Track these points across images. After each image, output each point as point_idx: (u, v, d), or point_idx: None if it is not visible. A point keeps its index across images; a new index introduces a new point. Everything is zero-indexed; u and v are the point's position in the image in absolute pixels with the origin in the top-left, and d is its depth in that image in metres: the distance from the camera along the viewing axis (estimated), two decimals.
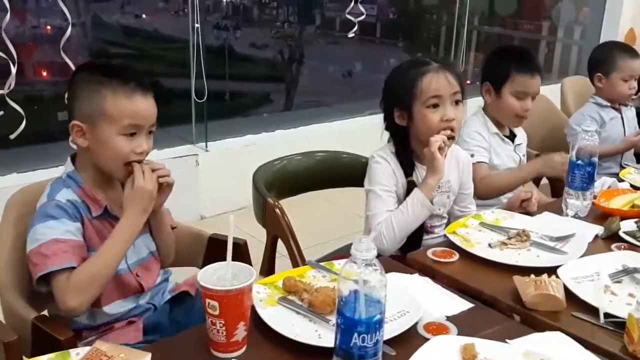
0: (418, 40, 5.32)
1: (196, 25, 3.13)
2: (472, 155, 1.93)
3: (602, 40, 4.96)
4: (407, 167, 1.68)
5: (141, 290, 1.39)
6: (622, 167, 2.26)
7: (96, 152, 1.30)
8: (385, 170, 1.67)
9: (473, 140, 1.99)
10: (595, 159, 1.64)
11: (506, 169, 2.04)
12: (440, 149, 1.57)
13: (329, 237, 2.50)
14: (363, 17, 3.38)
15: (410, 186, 1.65)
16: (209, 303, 1.01)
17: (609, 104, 2.43)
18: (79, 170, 1.34)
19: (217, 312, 1.01)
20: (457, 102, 1.62)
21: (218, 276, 1.04)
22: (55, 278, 1.22)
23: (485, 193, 1.94)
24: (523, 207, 1.69)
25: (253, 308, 1.12)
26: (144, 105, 1.30)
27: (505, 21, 5.13)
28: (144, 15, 4.54)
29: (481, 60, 4.87)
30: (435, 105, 1.60)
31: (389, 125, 1.71)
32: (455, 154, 1.76)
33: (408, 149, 1.70)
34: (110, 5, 4.33)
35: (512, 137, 2.10)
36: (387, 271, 1.29)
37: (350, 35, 3.46)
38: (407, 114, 1.65)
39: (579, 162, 1.63)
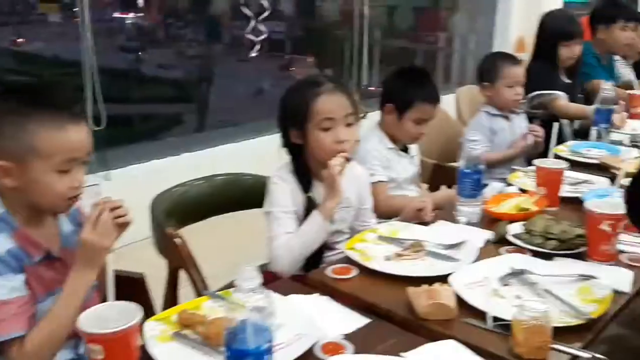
0: (325, 55, 5.41)
1: (89, 47, 3.03)
2: (371, 175, 1.98)
3: (495, 49, 5.26)
4: (305, 184, 1.70)
5: (76, 336, 1.25)
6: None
7: (29, 191, 1.18)
8: (283, 191, 1.67)
9: (373, 159, 2.04)
10: (482, 167, 1.72)
11: (404, 180, 2.11)
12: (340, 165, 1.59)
13: (240, 261, 2.45)
14: (264, 36, 3.40)
15: (309, 202, 1.67)
16: (92, 348, 0.96)
17: (498, 113, 2.55)
18: (10, 211, 1.20)
19: (102, 357, 0.96)
20: (350, 124, 1.65)
21: (101, 317, 0.99)
22: (5, 349, 1.13)
23: (386, 213, 2.00)
24: (419, 217, 1.73)
25: (144, 347, 1.08)
26: (78, 137, 1.19)
27: (404, 34, 5.32)
28: (38, 42, 4.35)
29: (385, 74, 5.04)
30: (328, 127, 1.62)
31: (286, 142, 1.72)
32: (352, 169, 1.79)
33: (305, 166, 1.71)
34: (3, 31, 4.11)
35: (405, 149, 2.17)
36: (286, 293, 1.32)
37: (253, 54, 3.46)
38: (301, 134, 1.66)
39: (467, 170, 1.70)
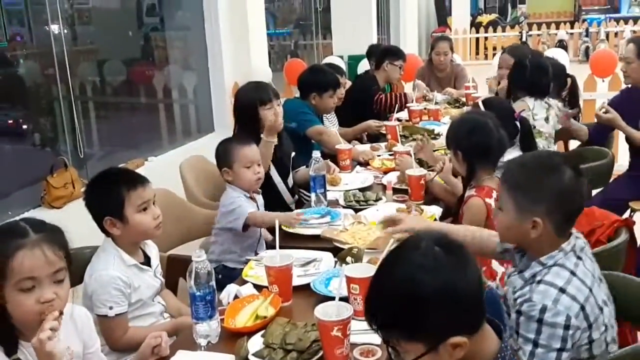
0: (35, 115, 4.77)
1: None
2: (110, 308, 1.81)
3: (212, 97, 5.31)
4: (10, 347, 1.44)
5: None
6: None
7: None
8: None
9: (113, 290, 1.83)
10: (212, 283, 1.63)
11: (149, 297, 1.96)
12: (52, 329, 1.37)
13: None
14: None
15: None
16: None
17: (243, 193, 2.46)
18: None
19: None
20: (60, 280, 1.44)
21: None
22: None
23: (127, 348, 1.84)
24: (155, 354, 1.59)
25: None
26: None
27: (119, 89, 5.00)
28: None
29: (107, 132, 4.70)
30: (31, 287, 1.39)
31: None
32: (69, 313, 1.57)
33: (8, 326, 1.44)
34: None
35: (147, 260, 2.00)
36: None
37: None
38: None
39: (198, 293, 1.61)
